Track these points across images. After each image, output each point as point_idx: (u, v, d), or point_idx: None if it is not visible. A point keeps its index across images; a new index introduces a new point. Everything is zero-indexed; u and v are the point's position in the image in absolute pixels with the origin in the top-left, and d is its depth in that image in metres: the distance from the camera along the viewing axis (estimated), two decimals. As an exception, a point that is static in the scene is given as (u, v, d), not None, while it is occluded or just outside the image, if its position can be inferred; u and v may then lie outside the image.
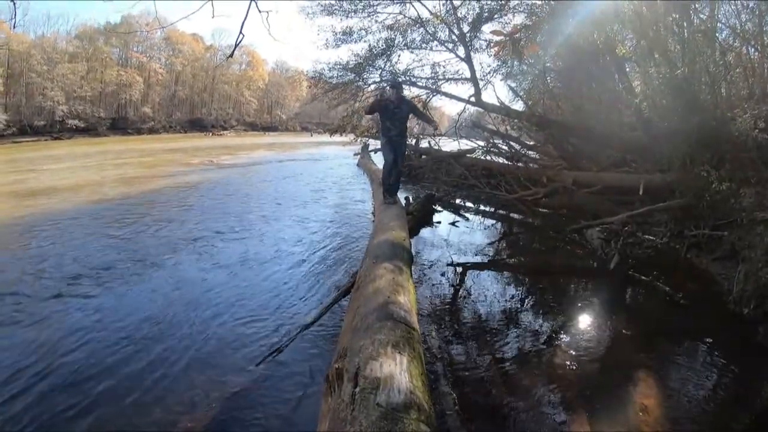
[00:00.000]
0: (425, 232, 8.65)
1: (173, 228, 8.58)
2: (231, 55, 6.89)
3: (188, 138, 47.67)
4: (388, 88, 7.80)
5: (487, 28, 12.76)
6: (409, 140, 12.16)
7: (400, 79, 10.72)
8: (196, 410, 3.28)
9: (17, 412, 3.20)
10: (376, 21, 13.99)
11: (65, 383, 3.55)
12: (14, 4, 4.31)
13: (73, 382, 3.57)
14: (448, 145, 16.31)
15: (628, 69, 10.81)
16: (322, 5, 14.20)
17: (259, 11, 5.10)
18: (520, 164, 12.24)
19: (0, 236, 7.94)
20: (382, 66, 14.17)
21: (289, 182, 15.81)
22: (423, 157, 15.98)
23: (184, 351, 4.12)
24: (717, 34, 8.94)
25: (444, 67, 14.03)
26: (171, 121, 61.16)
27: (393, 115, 7.48)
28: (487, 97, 13.11)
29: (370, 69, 14.33)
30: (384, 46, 13.87)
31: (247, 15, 5.00)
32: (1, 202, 10.77)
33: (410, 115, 7.90)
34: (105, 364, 3.81)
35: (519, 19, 12.21)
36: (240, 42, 5.39)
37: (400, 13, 13.79)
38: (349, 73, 14.64)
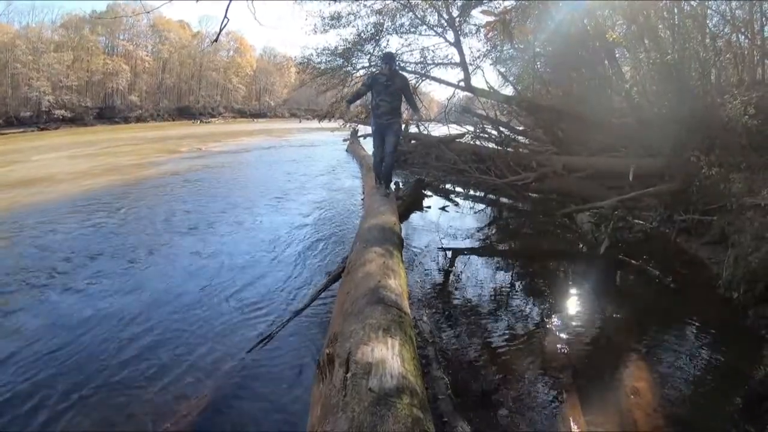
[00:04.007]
0: (415, 216, 8.65)
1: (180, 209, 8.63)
2: (216, 40, 6.83)
3: (176, 126, 47.17)
4: (381, 66, 7.15)
5: (476, 12, 12.72)
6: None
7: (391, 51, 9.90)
8: (188, 398, 3.26)
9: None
10: (365, 5, 13.83)
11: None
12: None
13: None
14: (438, 130, 16.25)
15: (618, 55, 10.80)
16: (310, -11, 14.08)
17: (244, -5, 5.02)
18: (509, 149, 12.18)
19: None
20: (371, 51, 14.08)
21: (283, 167, 15.80)
22: (412, 142, 15.93)
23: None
24: (707, 21, 8.93)
25: (433, 51, 13.98)
26: (158, 109, 60.50)
27: (384, 89, 6.91)
28: (477, 81, 13.08)
29: (359, 54, 14.23)
30: (372, 31, 13.78)
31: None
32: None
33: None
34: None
35: (510, 2, 12.16)
36: (225, 26, 5.30)
37: (389, -4, 13.67)
38: (337, 59, 14.54)
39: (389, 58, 7.20)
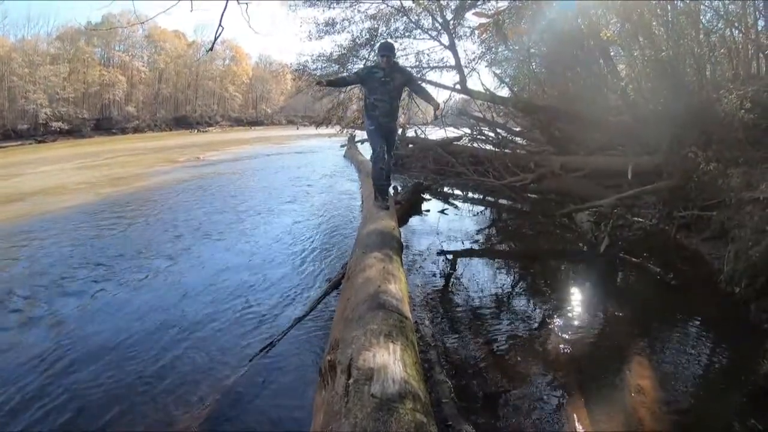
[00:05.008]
0: (414, 220, 8.64)
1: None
2: (211, 49, 6.80)
3: (174, 136, 47.19)
4: (377, 58, 6.02)
5: (470, 15, 12.73)
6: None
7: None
8: (191, 408, 3.25)
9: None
10: (359, 11, 13.89)
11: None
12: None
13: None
14: (435, 133, 16.28)
15: (612, 53, 10.81)
16: (304, -3, 14.11)
17: (238, 2, 5.04)
18: (507, 150, 12.21)
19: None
20: (366, 56, 14.09)
21: (288, 173, 16.03)
22: (410, 145, 15.94)
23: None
24: (700, 17, 8.95)
25: (428, 55, 13.98)
26: (156, 120, 60.55)
27: (381, 86, 5.82)
28: (473, 84, 13.03)
29: (354, 59, 14.25)
30: (367, 36, 13.80)
31: (225, 7, 4.94)
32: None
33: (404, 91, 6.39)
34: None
35: (503, 4, 12.17)
36: (219, 35, 5.33)
37: (383, 2, 13.66)
38: (333, 65, 14.55)
39: (387, 49, 5.89)
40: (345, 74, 7.17)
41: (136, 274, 6.01)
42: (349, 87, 13.73)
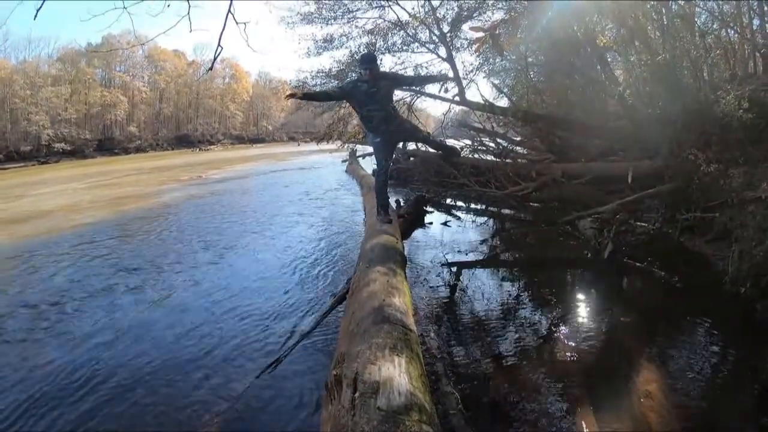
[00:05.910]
0: (418, 233, 8.65)
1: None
2: (210, 69, 6.79)
3: (177, 155, 47.58)
4: (360, 71, 5.92)
5: (467, 26, 12.79)
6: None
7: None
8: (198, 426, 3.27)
9: None
10: (356, 26, 13.95)
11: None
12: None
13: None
14: (436, 145, 16.31)
15: (609, 59, 10.88)
16: (301, 14, 14.20)
17: (236, 23, 5.10)
18: (508, 160, 12.22)
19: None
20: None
21: (295, 189, 16.18)
22: (411, 158, 16.00)
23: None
24: (696, 18, 9.01)
25: (426, 68, 13.99)
26: (157, 139, 61.12)
27: (370, 97, 5.75)
28: (472, 95, 13.09)
29: (353, 75, 14.28)
30: (365, 51, 13.84)
31: (224, 27, 4.99)
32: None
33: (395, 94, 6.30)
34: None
35: (498, 15, 12.22)
36: (219, 55, 5.39)
37: (380, 17, 13.75)
38: (332, 80, 14.59)
39: (369, 62, 5.81)
40: (324, 88, 7.08)
41: (168, 284, 6.28)
42: (347, 104, 13.77)
